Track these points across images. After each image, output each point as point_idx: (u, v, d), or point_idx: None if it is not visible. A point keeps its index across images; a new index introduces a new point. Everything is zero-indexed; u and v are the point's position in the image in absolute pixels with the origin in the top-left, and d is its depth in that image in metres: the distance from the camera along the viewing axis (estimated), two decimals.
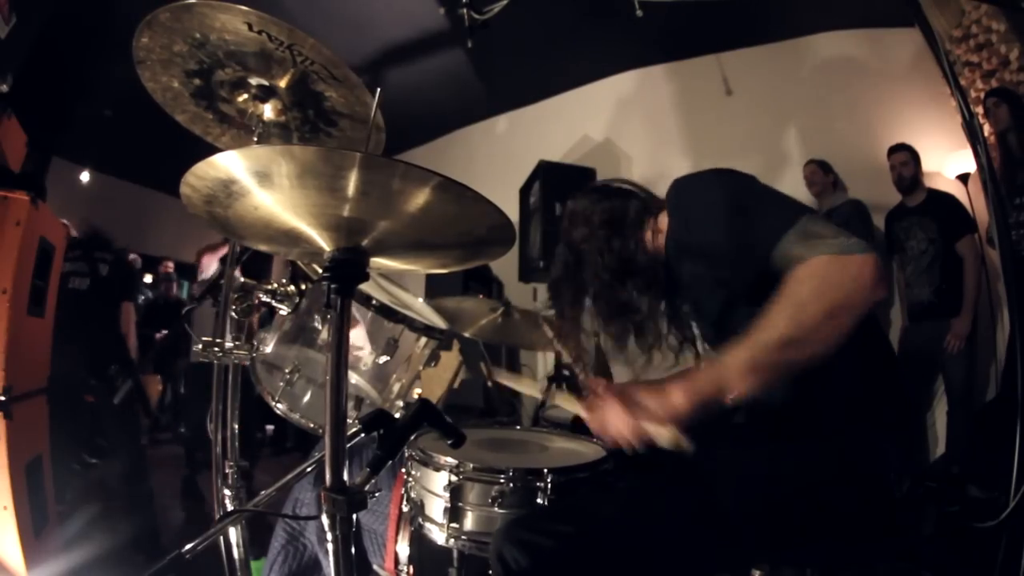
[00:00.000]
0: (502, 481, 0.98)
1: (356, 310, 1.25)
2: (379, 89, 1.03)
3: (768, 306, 0.82)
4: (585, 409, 0.98)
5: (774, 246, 0.86)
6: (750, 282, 0.91)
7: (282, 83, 1.19)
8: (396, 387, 1.32)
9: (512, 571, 0.81)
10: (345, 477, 0.71)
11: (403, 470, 1.16)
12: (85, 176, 5.11)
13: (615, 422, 0.88)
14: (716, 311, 1.02)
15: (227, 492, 1.24)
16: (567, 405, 1.09)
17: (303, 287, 1.24)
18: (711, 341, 1.10)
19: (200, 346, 1.16)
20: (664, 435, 0.84)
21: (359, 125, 1.26)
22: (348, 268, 0.74)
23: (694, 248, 1.00)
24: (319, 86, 1.18)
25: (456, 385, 2.12)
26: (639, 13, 2.24)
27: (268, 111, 1.22)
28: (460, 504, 1.00)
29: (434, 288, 3.35)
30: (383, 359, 1.25)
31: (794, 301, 0.80)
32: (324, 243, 0.73)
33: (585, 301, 1.15)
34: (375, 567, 1.33)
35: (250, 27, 1.05)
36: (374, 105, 1.07)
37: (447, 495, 0.99)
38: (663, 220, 1.11)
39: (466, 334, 1.71)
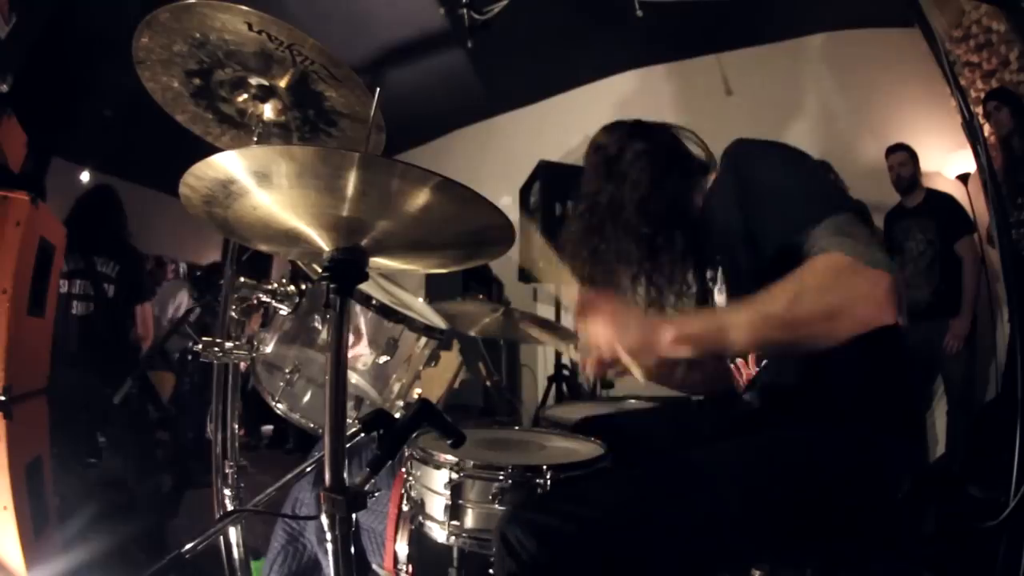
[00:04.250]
0: (502, 478, 0.98)
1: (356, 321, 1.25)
2: (379, 89, 1.03)
3: (778, 281, 0.82)
4: (577, 305, 0.97)
5: (807, 231, 0.85)
6: (775, 258, 0.90)
7: (282, 83, 1.19)
8: (396, 387, 1.32)
9: (516, 553, 0.79)
10: (345, 477, 0.71)
11: (403, 469, 1.16)
12: (85, 176, 5.11)
13: (598, 333, 0.89)
14: (742, 278, 1.02)
15: (227, 492, 1.24)
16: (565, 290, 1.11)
17: (303, 287, 1.24)
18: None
19: (200, 346, 1.16)
20: (634, 368, 0.88)
21: (360, 125, 1.26)
22: (347, 268, 0.74)
23: (735, 211, 0.98)
24: (319, 86, 1.18)
25: (456, 385, 2.12)
26: (639, 13, 2.24)
27: (268, 111, 1.22)
28: (461, 501, 1.00)
29: (434, 288, 3.35)
30: (383, 359, 1.25)
31: (799, 287, 0.80)
32: (323, 243, 0.73)
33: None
34: (374, 566, 1.33)
35: (250, 27, 1.05)
36: (373, 105, 1.07)
37: (448, 492, 0.99)
38: (708, 180, 1.12)
39: (471, 333, 1.71)
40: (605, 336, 0.88)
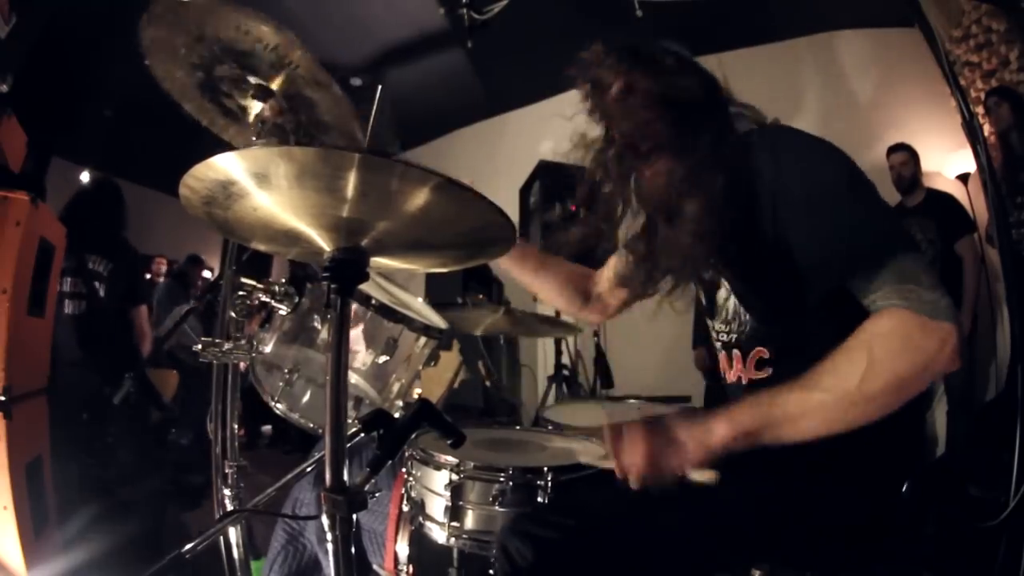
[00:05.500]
0: (502, 480, 0.98)
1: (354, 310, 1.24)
2: (380, 87, 1.03)
3: (838, 354, 0.75)
4: (612, 451, 0.83)
5: (865, 276, 0.77)
6: (818, 287, 0.83)
7: (275, 86, 1.18)
8: (396, 387, 1.32)
9: (516, 564, 0.81)
10: (345, 477, 0.71)
11: (403, 470, 1.16)
12: (85, 176, 5.11)
13: (641, 458, 0.78)
14: (762, 282, 0.94)
15: (227, 492, 1.24)
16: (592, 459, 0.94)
17: (309, 286, 1.24)
18: (744, 300, 0.99)
19: (200, 346, 1.16)
20: (699, 476, 0.78)
21: (345, 139, 1.25)
22: (348, 268, 0.74)
23: (768, 209, 0.85)
24: (307, 91, 1.18)
25: (456, 385, 2.12)
26: (639, 13, 2.24)
27: (267, 111, 1.21)
28: (461, 503, 1.00)
29: (434, 288, 3.35)
30: (383, 359, 1.25)
31: (867, 357, 0.73)
32: (324, 243, 0.73)
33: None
34: (375, 567, 1.33)
35: (238, 28, 1.05)
36: (375, 101, 1.07)
37: (448, 494, 1.00)
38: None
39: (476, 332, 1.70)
40: (648, 469, 0.78)
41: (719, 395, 1.19)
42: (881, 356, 0.73)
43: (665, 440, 0.79)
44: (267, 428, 4.68)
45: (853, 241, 0.80)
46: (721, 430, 0.78)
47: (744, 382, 1.01)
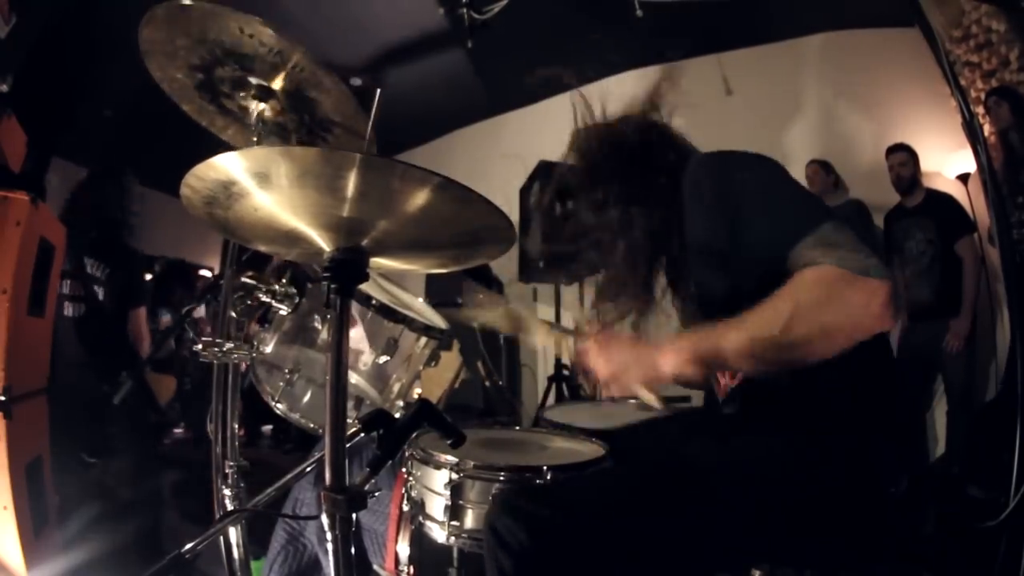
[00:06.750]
0: (502, 479, 0.98)
1: (355, 310, 1.25)
2: (379, 90, 1.03)
3: (767, 300, 0.80)
4: (578, 352, 0.99)
5: (791, 247, 0.82)
6: (757, 277, 0.87)
7: (277, 86, 1.18)
8: (396, 387, 1.32)
9: (507, 544, 0.77)
10: (345, 477, 0.71)
11: (403, 469, 1.16)
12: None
13: (603, 368, 0.90)
14: (720, 297, 0.99)
15: (227, 492, 1.24)
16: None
17: (307, 286, 1.24)
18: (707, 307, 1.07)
19: (200, 346, 1.16)
20: (643, 394, 0.89)
21: (351, 136, 1.25)
22: (348, 268, 0.74)
23: (705, 229, 0.95)
24: (311, 92, 1.18)
25: (456, 385, 2.12)
26: (639, 13, 2.24)
27: (268, 111, 1.21)
28: (461, 502, 1.00)
29: (434, 288, 3.35)
30: (383, 359, 1.25)
31: (793, 305, 0.78)
32: (324, 243, 0.73)
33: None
34: (375, 567, 1.33)
35: (241, 31, 1.05)
36: (374, 104, 1.07)
37: (448, 493, 0.99)
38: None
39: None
40: (613, 376, 0.88)
41: (704, 407, 1.19)
42: (804, 304, 0.77)
43: (626, 355, 0.89)
44: (267, 428, 4.69)
45: (774, 216, 0.87)
46: (669, 357, 0.86)
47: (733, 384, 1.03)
